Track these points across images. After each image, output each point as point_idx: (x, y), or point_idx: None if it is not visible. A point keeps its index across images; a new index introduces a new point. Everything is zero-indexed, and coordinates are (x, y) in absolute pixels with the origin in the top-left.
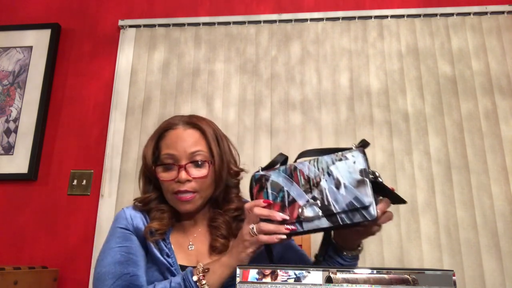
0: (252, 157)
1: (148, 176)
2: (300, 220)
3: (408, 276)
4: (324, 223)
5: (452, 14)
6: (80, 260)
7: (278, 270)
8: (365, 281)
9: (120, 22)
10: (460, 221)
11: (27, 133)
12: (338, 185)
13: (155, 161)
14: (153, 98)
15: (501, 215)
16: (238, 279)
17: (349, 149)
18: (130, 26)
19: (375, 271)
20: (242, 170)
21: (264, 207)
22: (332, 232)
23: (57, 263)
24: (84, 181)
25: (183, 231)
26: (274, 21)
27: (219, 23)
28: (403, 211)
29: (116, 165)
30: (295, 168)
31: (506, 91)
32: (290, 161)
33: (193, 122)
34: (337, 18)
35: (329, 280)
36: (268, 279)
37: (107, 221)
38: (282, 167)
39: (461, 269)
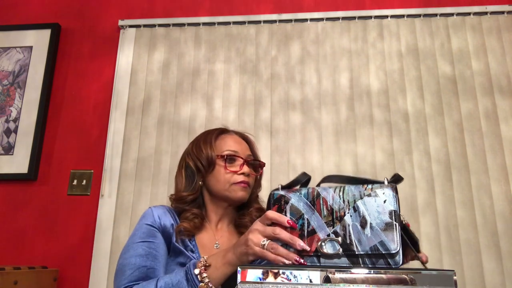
0: None
1: (193, 174)
2: (317, 254)
3: (406, 276)
4: (344, 262)
5: (452, 14)
6: (80, 260)
7: (280, 271)
8: (363, 281)
9: (120, 22)
10: (460, 221)
11: (27, 133)
12: (363, 224)
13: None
14: (153, 98)
15: (501, 215)
16: (238, 279)
17: (380, 182)
18: (130, 26)
19: (373, 271)
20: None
21: (286, 227)
22: None
23: (57, 263)
24: (84, 181)
25: (209, 233)
26: (274, 21)
27: (219, 23)
28: (403, 211)
29: (116, 165)
30: (318, 195)
31: (506, 91)
32: (313, 182)
33: (242, 134)
34: (337, 18)
35: (327, 280)
36: (271, 279)
37: (107, 221)
38: (304, 191)
39: (461, 269)
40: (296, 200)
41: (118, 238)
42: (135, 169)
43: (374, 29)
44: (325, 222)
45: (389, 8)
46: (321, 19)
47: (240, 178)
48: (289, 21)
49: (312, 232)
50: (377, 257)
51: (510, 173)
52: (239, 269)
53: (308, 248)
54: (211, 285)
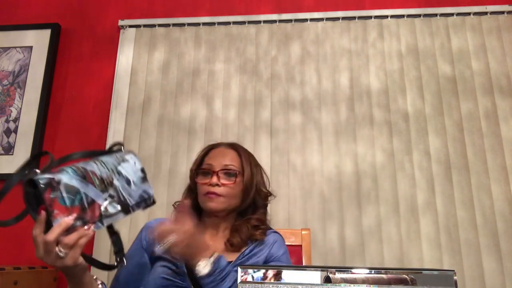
0: None
1: (190, 186)
2: (101, 218)
3: (406, 276)
4: (122, 215)
5: (452, 14)
6: None
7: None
8: (364, 281)
9: (120, 22)
10: (460, 221)
11: (27, 133)
12: (128, 182)
13: (197, 169)
14: (153, 98)
15: (501, 215)
16: (239, 279)
17: (110, 152)
18: (130, 26)
19: (373, 271)
20: (271, 194)
21: (59, 215)
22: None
23: None
24: None
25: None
26: (274, 21)
27: (219, 23)
28: (403, 211)
29: None
30: (85, 170)
31: (506, 91)
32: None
33: (233, 144)
34: (337, 18)
35: (327, 280)
36: (271, 279)
37: None
38: (70, 169)
39: (461, 269)
40: (68, 178)
41: None
42: None
43: (374, 29)
44: (99, 190)
45: (389, 8)
46: (321, 19)
47: (206, 189)
48: (289, 21)
49: (92, 202)
50: (143, 202)
51: (510, 173)
52: (239, 269)
53: (74, 214)
54: None
